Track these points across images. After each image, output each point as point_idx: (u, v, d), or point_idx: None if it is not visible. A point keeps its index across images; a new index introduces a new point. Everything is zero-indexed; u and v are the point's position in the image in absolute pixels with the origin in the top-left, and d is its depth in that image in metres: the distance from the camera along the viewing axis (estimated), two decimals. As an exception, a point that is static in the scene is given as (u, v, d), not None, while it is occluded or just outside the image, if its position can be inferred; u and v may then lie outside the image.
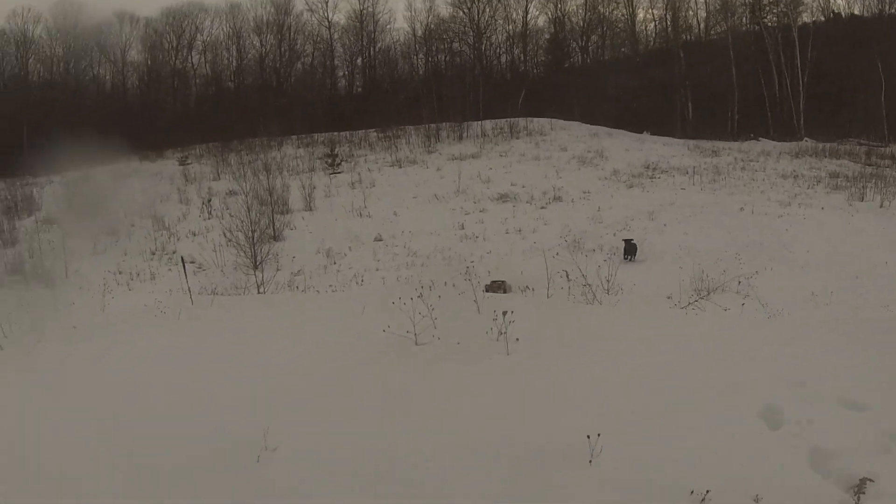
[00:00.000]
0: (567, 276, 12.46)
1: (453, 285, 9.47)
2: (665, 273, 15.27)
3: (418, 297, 7.59)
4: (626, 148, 31.18)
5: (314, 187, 24.06)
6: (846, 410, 5.59)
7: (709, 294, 11.88)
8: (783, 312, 11.18)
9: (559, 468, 4.97)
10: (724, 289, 12.16)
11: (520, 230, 19.93)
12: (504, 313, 6.92)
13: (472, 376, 6.50)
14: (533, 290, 9.36)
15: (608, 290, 12.27)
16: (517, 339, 6.84)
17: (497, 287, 16.33)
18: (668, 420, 5.52)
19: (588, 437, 4.92)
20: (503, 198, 23.47)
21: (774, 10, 43.00)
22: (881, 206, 21.37)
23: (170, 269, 16.88)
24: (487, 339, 7.07)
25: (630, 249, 17.15)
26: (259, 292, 14.41)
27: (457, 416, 5.77)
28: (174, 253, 17.11)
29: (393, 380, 6.50)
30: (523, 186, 24.67)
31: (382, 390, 6.30)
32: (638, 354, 6.86)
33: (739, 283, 12.34)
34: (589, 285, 11.83)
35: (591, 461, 4.91)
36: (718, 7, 44.93)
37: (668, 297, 12.11)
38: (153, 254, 19.29)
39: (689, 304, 11.25)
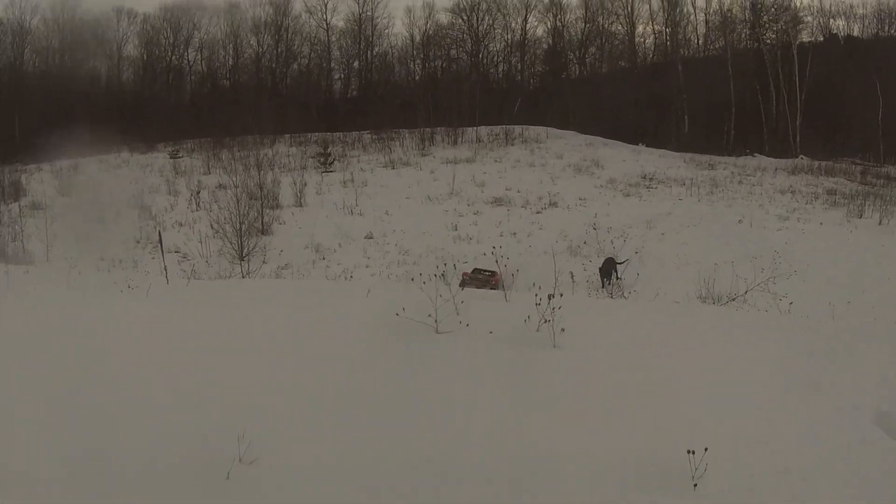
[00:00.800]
0: (572, 278, 12.13)
1: (448, 285, 8.21)
2: (666, 280, 14.90)
3: (441, 275, 6.38)
4: (623, 158, 30.95)
5: (305, 184, 23.64)
6: None
7: (717, 301, 11.52)
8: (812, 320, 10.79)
9: (660, 491, 3.98)
10: (736, 297, 11.73)
11: (514, 233, 19.57)
12: (550, 296, 5.84)
13: (519, 372, 5.34)
14: (540, 287, 8.58)
15: (611, 294, 11.90)
16: (562, 330, 5.75)
17: (482, 281, 14.15)
18: (769, 430, 4.59)
19: (690, 452, 3.96)
20: (497, 201, 23.10)
21: (774, 28, 42.93)
22: (880, 224, 21.12)
23: (153, 258, 16.41)
24: (525, 328, 5.97)
25: (607, 270, 15.21)
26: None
27: (510, 420, 4.61)
28: (159, 242, 16.68)
29: (412, 375, 5.24)
30: (518, 191, 24.33)
31: (398, 389, 5.00)
32: (702, 353, 5.91)
33: (746, 292, 11.93)
34: (619, 279, 11.21)
35: (695, 484, 3.94)
36: (718, 23, 44.87)
37: (676, 303, 11.73)
38: (137, 242, 18.83)
39: (727, 302, 10.91)
